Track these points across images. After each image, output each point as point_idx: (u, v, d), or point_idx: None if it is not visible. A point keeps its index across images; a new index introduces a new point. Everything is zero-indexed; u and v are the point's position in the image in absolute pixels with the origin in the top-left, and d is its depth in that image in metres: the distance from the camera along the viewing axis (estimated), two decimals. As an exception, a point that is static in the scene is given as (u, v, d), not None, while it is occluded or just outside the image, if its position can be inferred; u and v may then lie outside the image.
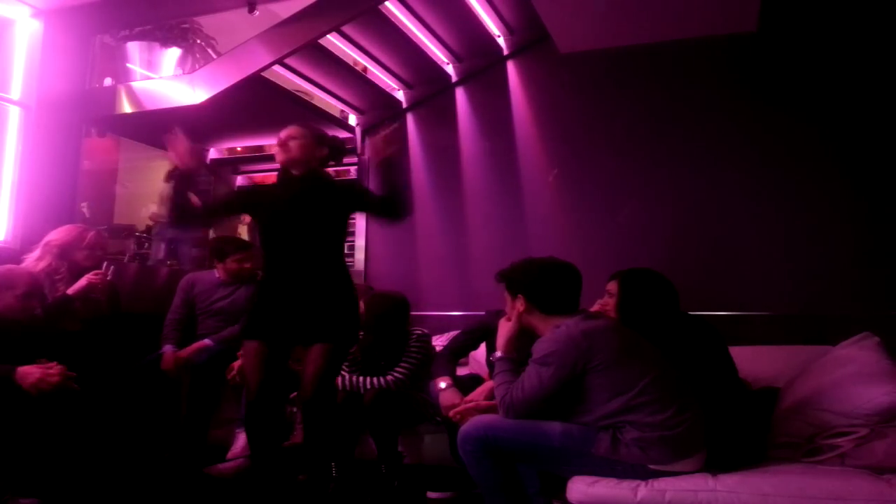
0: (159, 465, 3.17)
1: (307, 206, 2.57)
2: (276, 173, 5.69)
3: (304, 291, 2.54)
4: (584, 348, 2.09)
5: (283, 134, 2.62)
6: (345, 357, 2.76)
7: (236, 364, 3.29)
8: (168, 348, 3.41)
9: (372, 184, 2.76)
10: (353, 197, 2.72)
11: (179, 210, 2.59)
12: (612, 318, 2.40)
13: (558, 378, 2.10)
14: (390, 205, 2.61)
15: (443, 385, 2.82)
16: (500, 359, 2.31)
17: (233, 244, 3.67)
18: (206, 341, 3.41)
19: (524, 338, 2.32)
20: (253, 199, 2.74)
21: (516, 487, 2.20)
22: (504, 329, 2.36)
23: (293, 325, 2.54)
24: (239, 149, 5.61)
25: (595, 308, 2.63)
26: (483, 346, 3.33)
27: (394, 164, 2.62)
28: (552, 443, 2.11)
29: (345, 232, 2.72)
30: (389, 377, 3.09)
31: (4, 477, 2.49)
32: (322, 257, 2.59)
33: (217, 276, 3.62)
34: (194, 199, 2.66)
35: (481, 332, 3.28)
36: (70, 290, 2.99)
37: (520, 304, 2.31)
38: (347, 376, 3.13)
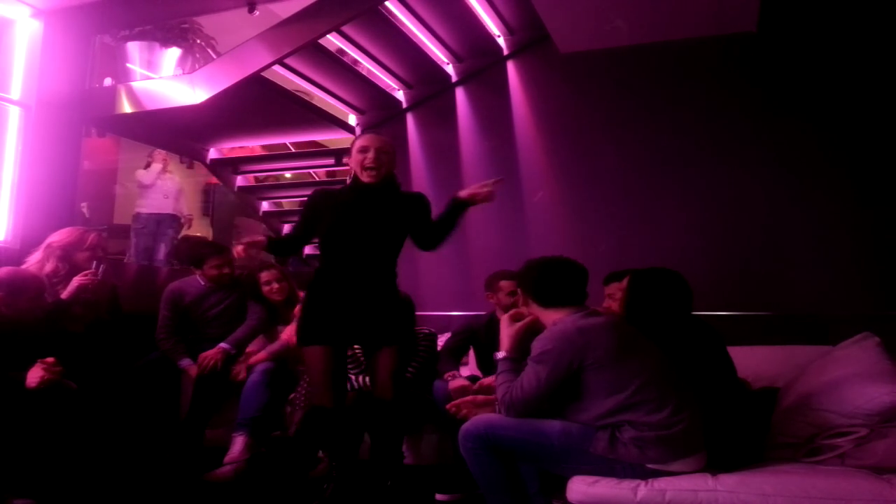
0: (157, 466, 3.16)
1: (384, 216, 2.57)
2: (276, 173, 5.78)
3: (370, 296, 2.55)
4: (579, 345, 2.10)
5: (375, 148, 2.52)
6: (408, 357, 2.80)
7: (242, 365, 3.34)
8: (187, 362, 3.38)
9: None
10: (418, 210, 2.66)
11: (278, 250, 2.76)
12: (612, 316, 2.40)
13: (555, 375, 2.11)
14: (438, 236, 2.65)
15: (450, 376, 2.93)
16: (502, 359, 2.32)
17: (208, 249, 3.59)
18: (224, 345, 3.39)
19: (528, 337, 2.33)
20: (323, 206, 2.63)
21: (516, 485, 2.20)
22: (508, 329, 2.36)
23: (356, 328, 2.55)
24: (239, 149, 5.63)
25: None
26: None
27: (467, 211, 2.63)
28: (551, 441, 2.12)
29: (404, 239, 2.69)
30: None
31: (1, 477, 2.49)
32: (387, 264, 2.61)
33: (202, 282, 3.57)
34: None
35: (466, 333, 3.30)
36: (63, 295, 2.98)
37: (521, 298, 2.35)
38: (356, 376, 3.12)
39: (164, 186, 5.63)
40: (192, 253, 3.67)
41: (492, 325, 3.26)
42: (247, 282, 3.63)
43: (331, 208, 2.59)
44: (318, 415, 2.51)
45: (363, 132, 2.63)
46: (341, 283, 2.55)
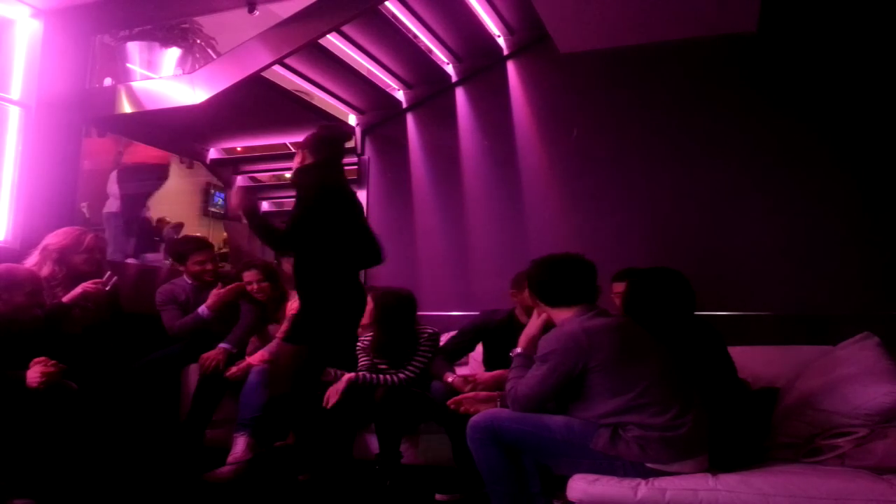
0: (157, 466, 3.16)
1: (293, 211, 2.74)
2: (275, 173, 5.79)
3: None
4: (584, 346, 2.12)
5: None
6: (302, 357, 2.79)
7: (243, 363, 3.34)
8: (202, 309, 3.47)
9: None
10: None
11: (271, 239, 2.88)
12: (618, 317, 2.39)
13: (559, 375, 2.13)
14: None
15: (450, 378, 2.95)
16: (518, 355, 2.36)
17: (192, 244, 3.61)
18: (225, 345, 3.38)
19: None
20: None
21: (520, 478, 2.22)
22: (529, 327, 2.41)
23: None
24: (239, 149, 5.63)
25: None
26: (479, 346, 3.34)
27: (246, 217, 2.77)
28: (553, 434, 2.15)
29: (311, 232, 2.72)
30: (402, 375, 3.08)
31: (1, 477, 2.49)
32: (298, 257, 2.73)
33: (189, 281, 3.58)
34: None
35: (475, 332, 3.28)
36: (65, 298, 2.93)
37: (530, 298, 2.37)
38: (361, 374, 3.12)
39: None
40: (176, 249, 3.67)
41: (511, 323, 3.18)
42: (236, 280, 3.62)
43: None
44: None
45: None
46: None
